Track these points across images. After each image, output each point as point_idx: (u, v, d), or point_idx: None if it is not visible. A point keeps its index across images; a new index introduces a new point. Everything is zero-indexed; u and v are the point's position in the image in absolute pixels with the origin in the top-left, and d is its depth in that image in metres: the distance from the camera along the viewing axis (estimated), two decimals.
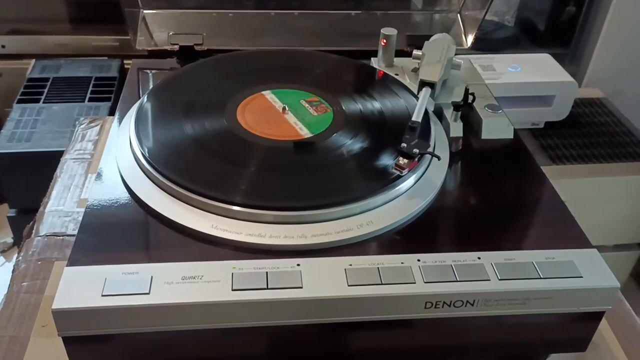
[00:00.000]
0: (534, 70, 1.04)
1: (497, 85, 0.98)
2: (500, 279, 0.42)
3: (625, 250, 1.12)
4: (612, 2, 1.15)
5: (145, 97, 0.58)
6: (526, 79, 1.02)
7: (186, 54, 0.70)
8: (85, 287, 0.40)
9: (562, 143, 1.06)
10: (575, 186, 1.00)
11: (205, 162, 0.51)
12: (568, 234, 0.47)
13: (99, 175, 0.50)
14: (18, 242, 1.21)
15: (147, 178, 0.49)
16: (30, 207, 1.07)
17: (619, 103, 1.18)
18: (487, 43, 1.25)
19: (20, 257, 0.56)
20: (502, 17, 1.29)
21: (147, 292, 0.40)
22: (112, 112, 1.13)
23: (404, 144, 0.49)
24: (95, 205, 0.47)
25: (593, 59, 1.22)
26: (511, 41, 1.30)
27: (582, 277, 0.43)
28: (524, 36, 1.33)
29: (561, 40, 1.28)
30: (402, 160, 0.48)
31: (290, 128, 0.55)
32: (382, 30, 0.67)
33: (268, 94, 0.60)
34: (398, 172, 0.48)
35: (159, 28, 0.73)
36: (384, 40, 0.67)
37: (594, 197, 1.03)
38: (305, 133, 0.54)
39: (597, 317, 0.45)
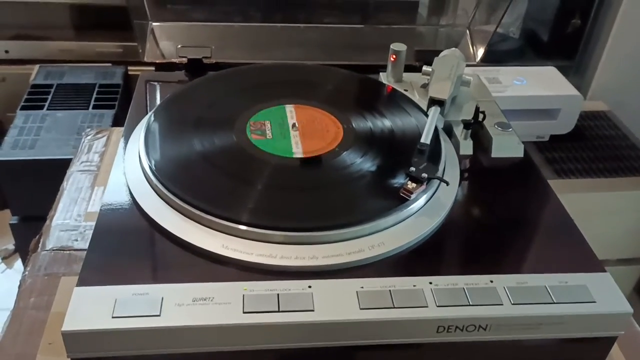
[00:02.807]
0: (540, 83, 1.04)
1: (503, 98, 0.97)
2: (513, 304, 0.42)
3: (629, 264, 1.12)
4: (617, 16, 1.15)
5: (154, 112, 0.57)
6: (532, 92, 1.02)
7: (194, 67, 0.70)
8: (95, 308, 0.40)
9: (567, 156, 1.05)
10: (580, 200, 1.00)
11: (216, 180, 0.50)
12: (580, 257, 0.47)
13: (108, 192, 0.50)
14: (20, 249, 1.20)
15: (157, 196, 0.49)
16: (33, 215, 1.07)
17: (623, 116, 1.18)
18: (491, 55, 1.24)
19: (27, 272, 0.55)
20: (507, 29, 1.29)
21: (158, 314, 0.40)
22: (116, 120, 1.13)
23: (412, 168, 0.49)
24: (105, 223, 0.47)
25: (598, 72, 1.22)
26: (516, 53, 1.30)
27: (595, 302, 0.43)
28: (528, 48, 1.33)
29: (566, 53, 1.28)
30: (410, 185, 0.48)
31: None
32: (391, 46, 0.66)
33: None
34: (406, 197, 0.48)
35: (167, 40, 0.73)
36: (394, 56, 0.67)
37: (598, 211, 1.02)
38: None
39: (609, 342, 0.45)
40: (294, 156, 0.53)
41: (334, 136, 0.56)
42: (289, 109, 0.60)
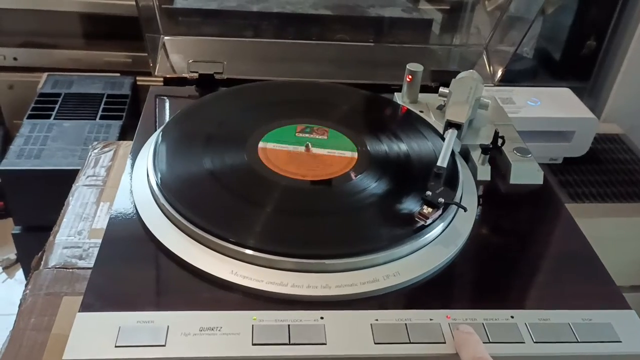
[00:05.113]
0: (554, 104, 1.02)
1: (517, 119, 0.95)
2: (535, 342, 0.40)
3: None
4: (633, 38, 1.14)
5: (163, 130, 0.56)
6: (546, 114, 1.00)
7: (205, 82, 0.68)
8: (98, 336, 0.38)
9: (581, 180, 1.03)
10: (593, 225, 0.98)
11: (227, 204, 0.49)
12: (604, 292, 0.45)
13: (114, 211, 0.49)
14: (21, 258, 1.18)
15: (165, 217, 0.47)
16: (36, 225, 1.06)
17: (637, 139, 1.16)
18: (505, 74, 1.23)
19: (28, 291, 0.53)
20: (521, 49, 1.27)
21: (163, 343, 0.38)
22: (123, 130, 1.12)
23: (428, 192, 0.47)
24: (110, 244, 0.45)
25: (612, 94, 1.20)
26: (529, 73, 1.28)
27: (620, 341, 0.41)
28: (542, 68, 1.31)
29: (580, 74, 1.26)
30: (427, 209, 0.47)
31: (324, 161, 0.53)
32: (407, 66, 0.65)
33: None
34: (421, 222, 0.46)
35: (178, 54, 0.72)
36: (410, 76, 0.65)
37: (612, 236, 1.00)
38: (349, 155, 0.54)
39: None
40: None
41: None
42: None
